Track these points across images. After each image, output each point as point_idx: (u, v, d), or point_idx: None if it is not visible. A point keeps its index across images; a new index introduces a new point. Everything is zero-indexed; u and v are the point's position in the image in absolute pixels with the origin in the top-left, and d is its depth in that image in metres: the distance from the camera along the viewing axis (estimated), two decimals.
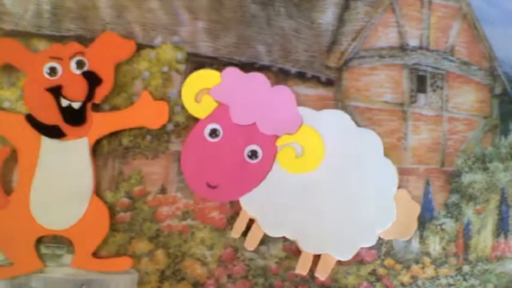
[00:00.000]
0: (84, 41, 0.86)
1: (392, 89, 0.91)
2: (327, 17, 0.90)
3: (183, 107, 0.86)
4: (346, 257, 0.85)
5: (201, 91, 0.83)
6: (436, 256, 0.91)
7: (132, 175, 0.86)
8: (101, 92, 0.82)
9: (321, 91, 0.89)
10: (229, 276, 0.86)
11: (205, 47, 0.88)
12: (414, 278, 0.91)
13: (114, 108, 0.87)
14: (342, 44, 0.91)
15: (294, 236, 0.85)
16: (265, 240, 0.86)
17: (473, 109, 0.94)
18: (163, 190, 0.86)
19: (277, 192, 0.83)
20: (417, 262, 0.91)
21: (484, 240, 0.92)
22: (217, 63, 0.88)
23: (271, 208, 0.83)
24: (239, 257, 0.87)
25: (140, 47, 0.87)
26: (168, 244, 0.85)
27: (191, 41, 0.88)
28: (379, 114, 0.91)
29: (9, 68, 0.85)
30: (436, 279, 0.91)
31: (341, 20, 0.91)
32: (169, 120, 0.86)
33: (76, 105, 0.81)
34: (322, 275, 0.85)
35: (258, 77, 0.83)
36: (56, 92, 0.81)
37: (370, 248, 0.89)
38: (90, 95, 0.82)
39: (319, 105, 0.88)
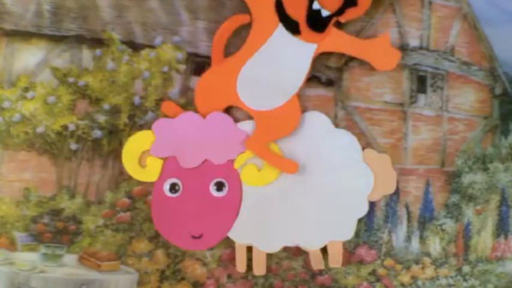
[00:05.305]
0: (85, 41, 0.86)
1: (393, 89, 0.91)
2: None
3: (183, 107, 0.86)
4: (349, 235, 0.85)
5: (142, 155, 0.82)
6: (436, 256, 0.91)
7: None
8: (350, 14, 0.83)
9: (321, 91, 0.89)
10: (229, 276, 0.86)
11: (205, 47, 0.88)
12: (414, 278, 0.91)
13: (114, 107, 0.87)
14: None
15: (293, 242, 0.85)
16: None
17: (473, 109, 0.94)
18: None
19: (259, 210, 0.83)
20: (417, 262, 0.91)
21: (484, 240, 0.92)
22: None
23: (261, 228, 0.83)
24: None
25: (140, 47, 0.87)
26: (168, 244, 0.85)
27: (191, 41, 0.88)
28: (379, 114, 0.91)
29: (9, 68, 0.85)
30: (436, 280, 0.91)
31: None
32: None
33: (325, 13, 0.82)
34: (336, 262, 0.85)
35: (188, 116, 0.82)
36: None
37: (370, 248, 0.89)
38: (341, 10, 0.82)
39: (319, 105, 0.88)
